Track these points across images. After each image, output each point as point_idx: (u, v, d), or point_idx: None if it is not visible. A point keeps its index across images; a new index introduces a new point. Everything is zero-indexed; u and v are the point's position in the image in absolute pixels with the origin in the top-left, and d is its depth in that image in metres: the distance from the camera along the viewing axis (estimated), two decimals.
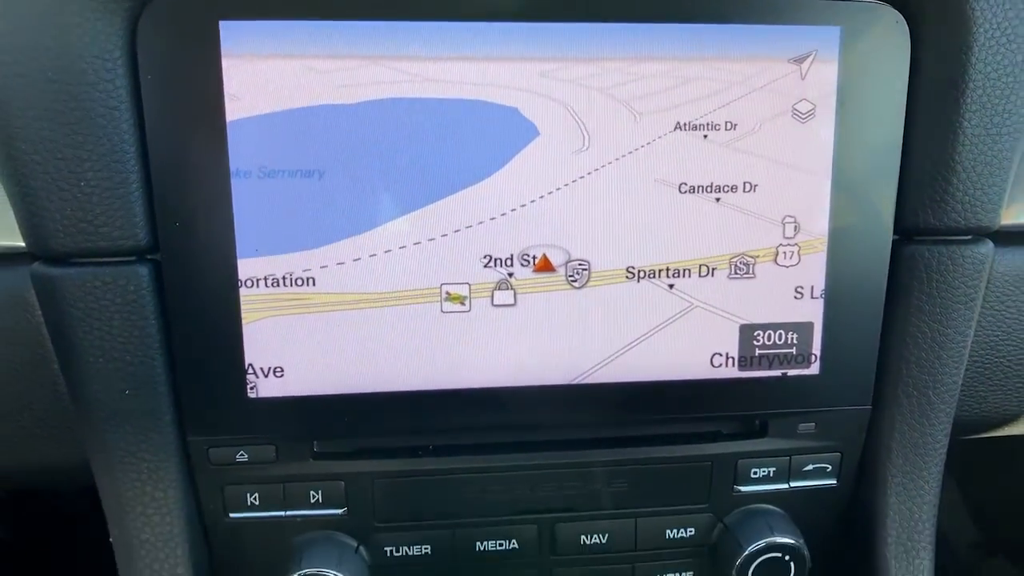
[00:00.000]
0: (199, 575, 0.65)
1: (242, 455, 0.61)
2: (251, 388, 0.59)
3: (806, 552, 0.66)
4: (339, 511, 0.64)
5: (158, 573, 0.63)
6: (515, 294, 0.59)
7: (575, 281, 0.60)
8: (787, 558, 0.66)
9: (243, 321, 0.57)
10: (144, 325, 0.57)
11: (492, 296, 0.59)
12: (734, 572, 0.66)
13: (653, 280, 0.60)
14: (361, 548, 0.66)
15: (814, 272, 0.61)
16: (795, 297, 0.62)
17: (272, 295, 0.57)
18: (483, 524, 0.67)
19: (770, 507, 0.69)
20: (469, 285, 0.59)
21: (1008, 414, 0.74)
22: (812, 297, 0.62)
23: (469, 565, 0.68)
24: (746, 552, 0.65)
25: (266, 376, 0.59)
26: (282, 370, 0.59)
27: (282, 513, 0.64)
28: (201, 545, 0.65)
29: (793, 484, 0.68)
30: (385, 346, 0.59)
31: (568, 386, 0.61)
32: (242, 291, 0.57)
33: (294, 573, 0.62)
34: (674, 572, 0.71)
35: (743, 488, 0.68)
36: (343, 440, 0.64)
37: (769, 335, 0.62)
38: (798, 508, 0.69)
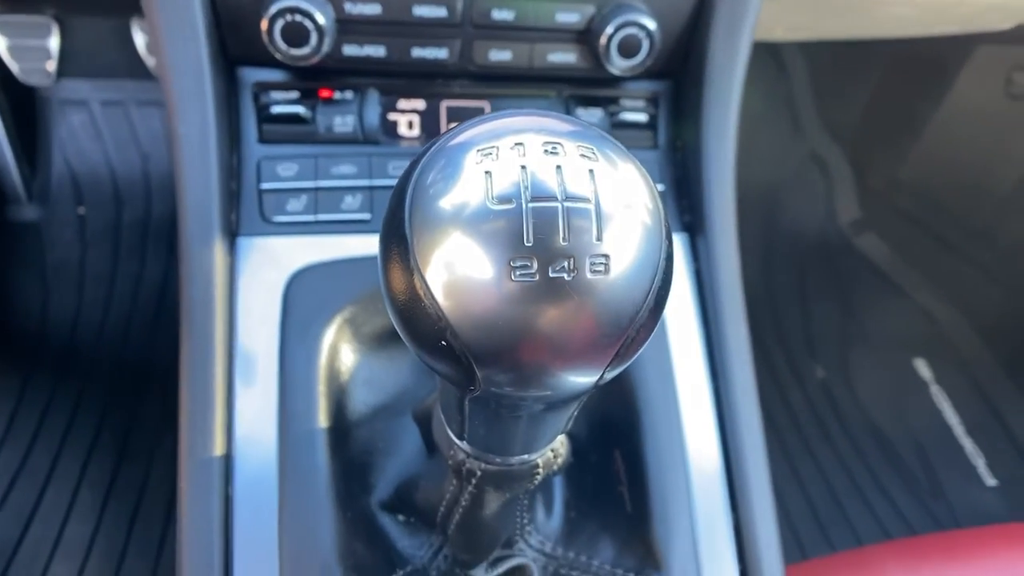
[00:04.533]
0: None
1: None
2: None
3: (658, 35, 0.81)
4: None
5: None
6: None
7: None
8: (642, 35, 0.81)
9: None
10: None
11: None
12: (600, 47, 0.81)
13: None
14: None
15: None
16: None
17: None
18: None
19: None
20: None
21: None
22: None
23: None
24: (610, 26, 0.81)
25: None
26: None
27: None
28: None
29: None
30: None
31: None
32: None
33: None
34: (561, 52, 0.86)
35: None
36: None
37: None
38: (662, 8, 0.83)
